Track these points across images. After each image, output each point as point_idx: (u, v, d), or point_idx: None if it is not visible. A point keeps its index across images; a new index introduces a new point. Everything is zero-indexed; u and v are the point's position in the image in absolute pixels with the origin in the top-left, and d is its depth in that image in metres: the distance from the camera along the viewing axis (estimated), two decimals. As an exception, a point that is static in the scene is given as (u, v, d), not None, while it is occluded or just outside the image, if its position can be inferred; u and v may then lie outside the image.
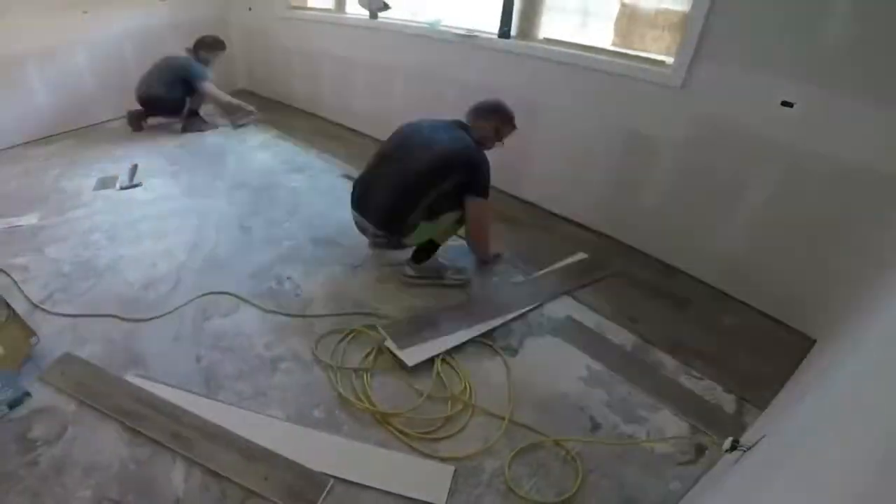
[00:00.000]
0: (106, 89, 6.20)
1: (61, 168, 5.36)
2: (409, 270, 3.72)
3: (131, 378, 2.85)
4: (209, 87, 6.02)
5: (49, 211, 4.55)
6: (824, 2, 2.70)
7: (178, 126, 6.31)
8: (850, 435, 1.19)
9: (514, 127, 3.64)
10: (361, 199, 3.58)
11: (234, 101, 6.40)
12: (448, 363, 3.02)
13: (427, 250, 3.66)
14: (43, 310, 3.34)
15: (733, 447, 1.75)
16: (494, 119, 3.58)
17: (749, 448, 1.69)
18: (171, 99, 5.95)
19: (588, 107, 3.98)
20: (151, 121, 6.32)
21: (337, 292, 3.61)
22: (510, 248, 4.09)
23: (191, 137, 6.19)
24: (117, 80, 6.02)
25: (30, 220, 4.42)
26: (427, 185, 3.33)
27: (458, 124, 3.55)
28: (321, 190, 4.99)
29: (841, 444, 1.19)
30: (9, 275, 3.64)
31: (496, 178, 4.83)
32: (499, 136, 3.62)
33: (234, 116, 6.52)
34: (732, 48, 3.12)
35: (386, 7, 5.38)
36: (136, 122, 6.24)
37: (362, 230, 3.69)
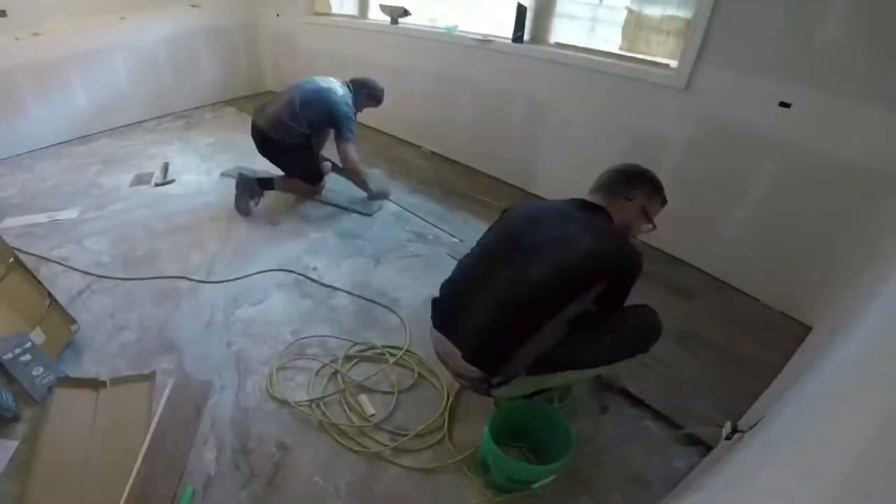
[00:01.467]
0: (141, 91, 6.25)
1: (100, 165, 5.42)
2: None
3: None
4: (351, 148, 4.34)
5: (88, 205, 4.62)
6: (819, 10, 2.71)
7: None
8: (845, 414, 1.21)
9: (664, 200, 2.47)
10: (448, 318, 2.33)
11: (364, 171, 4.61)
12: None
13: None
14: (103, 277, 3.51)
15: (733, 432, 1.75)
16: (641, 191, 2.40)
17: (749, 429, 1.70)
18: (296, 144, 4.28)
19: (597, 107, 3.99)
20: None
21: (361, 282, 3.64)
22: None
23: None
24: (152, 82, 6.08)
25: (70, 214, 4.50)
26: (557, 300, 2.11)
27: (588, 206, 2.36)
28: (341, 182, 4.96)
29: (836, 423, 1.20)
30: (52, 264, 3.72)
31: (509, 174, 4.87)
32: (647, 217, 2.44)
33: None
34: (733, 52, 3.13)
35: (406, 13, 5.41)
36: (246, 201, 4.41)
37: (444, 362, 2.41)
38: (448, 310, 2.32)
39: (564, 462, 2.10)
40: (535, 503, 2.26)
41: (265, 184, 4.43)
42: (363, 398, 2.73)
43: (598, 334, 2.26)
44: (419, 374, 2.90)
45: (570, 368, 2.29)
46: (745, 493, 1.32)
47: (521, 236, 2.26)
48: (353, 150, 4.31)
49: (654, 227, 2.45)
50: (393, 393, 2.78)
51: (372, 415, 2.64)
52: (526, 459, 2.42)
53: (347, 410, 2.67)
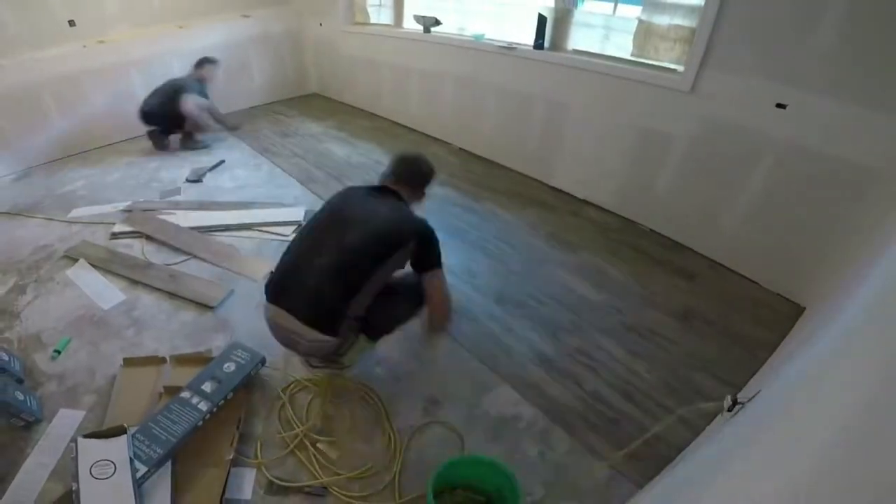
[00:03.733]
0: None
1: (158, 161, 5.58)
2: (315, 361, 2.84)
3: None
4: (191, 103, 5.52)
5: (151, 197, 4.75)
6: (812, 19, 2.75)
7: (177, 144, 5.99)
8: (836, 386, 1.22)
9: (433, 177, 2.89)
10: (281, 291, 2.44)
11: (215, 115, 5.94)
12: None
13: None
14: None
15: (733, 404, 1.75)
16: (421, 182, 2.84)
17: (748, 401, 1.70)
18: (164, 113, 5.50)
19: (610, 108, 4.02)
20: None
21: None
22: (546, 228, 4.17)
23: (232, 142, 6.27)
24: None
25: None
26: (371, 262, 2.37)
27: (384, 189, 2.71)
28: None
29: (829, 392, 1.22)
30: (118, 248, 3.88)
31: (531, 169, 4.91)
32: (423, 193, 2.88)
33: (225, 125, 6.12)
34: (734, 58, 3.17)
35: (438, 23, 5.47)
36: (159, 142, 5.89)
37: (285, 341, 2.53)
38: (281, 283, 2.46)
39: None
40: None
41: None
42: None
43: (397, 297, 2.58)
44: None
45: (387, 331, 2.65)
46: (742, 460, 1.34)
47: (336, 214, 2.54)
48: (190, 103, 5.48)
49: (425, 194, 2.90)
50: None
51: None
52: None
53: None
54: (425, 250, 2.52)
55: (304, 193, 4.79)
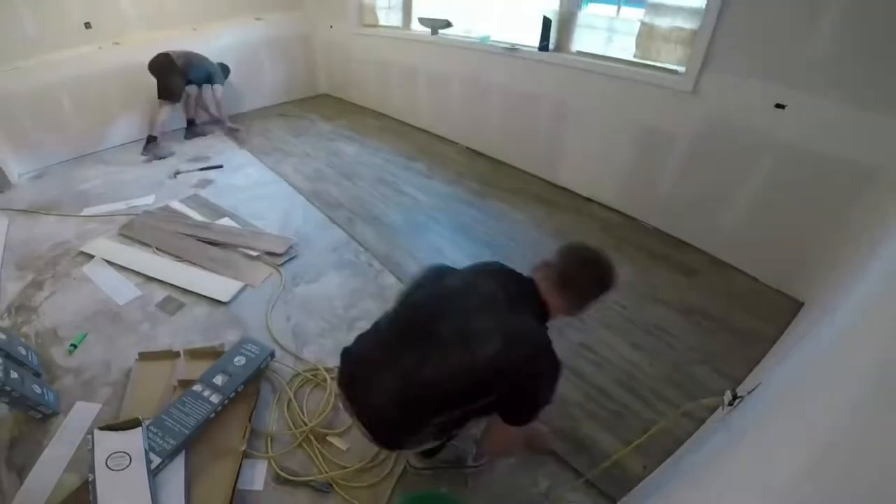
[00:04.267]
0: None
1: (173, 160, 5.60)
2: (415, 461, 2.27)
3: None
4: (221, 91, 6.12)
5: (163, 195, 4.78)
6: (810, 23, 2.75)
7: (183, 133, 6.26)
8: (833, 378, 1.24)
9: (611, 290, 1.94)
10: (354, 383, 1.87)
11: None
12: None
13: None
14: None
15: (733, 398, 1.73)
16: (594, 295, 1.93)
17: (748, 393, 1.68)
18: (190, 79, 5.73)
19: (613, 108, 4.02)
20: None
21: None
22: (551, 225, 4.18)
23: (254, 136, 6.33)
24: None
25: (146, 200, 4.69)
26: (451, 403, 1.72)
27: (518, 281, 1.96)
28: (381, 169, 5.09)
29: (826, 384, 1.24)
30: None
31: (536, 168, 4.92)
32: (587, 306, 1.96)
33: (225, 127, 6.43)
34: (734, 59, 3.17)
35: (448, 25, 5.47)
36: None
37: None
38: (351, 375, 1.89)
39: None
40: None
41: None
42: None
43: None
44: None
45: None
46: (742, 450, 1.36)
47: (426, 318, 1.82)
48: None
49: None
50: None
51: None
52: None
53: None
54: (527, 392, 1.74)
55: (311, 193, 4.80)
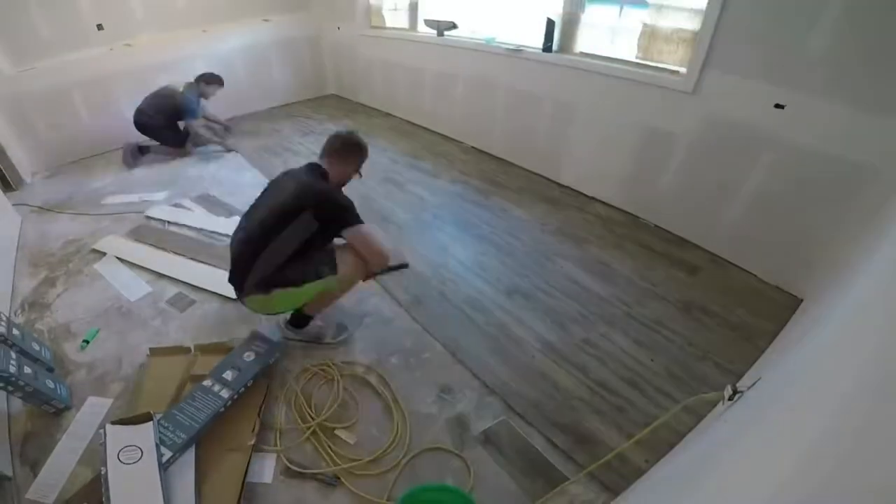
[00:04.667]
0: (220, 94, 6.28)
1: (184, 160, 5.65)
2: (288, 332, 2.95)
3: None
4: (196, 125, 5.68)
5: (175, 192, 4.82)
6: (808, 25, 2.74)
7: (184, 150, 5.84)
8: (831, 372, 1.23)
9: (366, 155, 2.90)
10: (234, 267, 2.65)
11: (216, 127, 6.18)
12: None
13: (305, 317, 2.90)
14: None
15: (734, 393, 1.74)
16: (346, 156, 2.82)
17: (749, 388, 1.69)
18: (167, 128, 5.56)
19: (615, 108, 4.02)
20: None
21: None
22: (554, 223, 4.17)
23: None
24: (230, 86, 6.09)
25: (159, 195, 4.75)
26: (267, 233, 2.51)
27: (313, 167, 2.77)
28: (386, 172, 5.11)
29: (824, 379, 1.23)
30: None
31: (540, 167, 4.92)
32: (357, 171, 2.90)
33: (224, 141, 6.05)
34: (735, 60, 3.16)
35: (454, 26, 5.48)
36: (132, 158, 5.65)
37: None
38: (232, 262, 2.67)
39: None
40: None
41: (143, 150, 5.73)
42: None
43: (307, 255, 2.59)
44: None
45: (293, 283, 2.58)
46: (743, 444, 1.35)
47: (262, 196, 2.79)
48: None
49: (361, 175, 2.94)
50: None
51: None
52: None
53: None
54: (328, 215, 2.55)
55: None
